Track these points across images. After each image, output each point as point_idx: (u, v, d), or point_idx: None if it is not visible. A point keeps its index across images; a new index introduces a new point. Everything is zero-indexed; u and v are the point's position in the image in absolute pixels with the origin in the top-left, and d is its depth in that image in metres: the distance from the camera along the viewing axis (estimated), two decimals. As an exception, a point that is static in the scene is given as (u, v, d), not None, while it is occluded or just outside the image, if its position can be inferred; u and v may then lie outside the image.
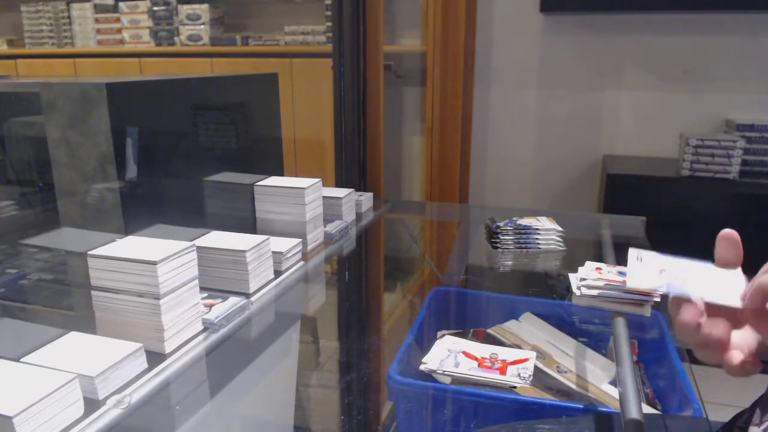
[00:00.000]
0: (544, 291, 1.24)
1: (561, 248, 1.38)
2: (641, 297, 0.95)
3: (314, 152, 2.78)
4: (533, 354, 0.93)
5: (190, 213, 1.14)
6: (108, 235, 0.92)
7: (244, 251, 0.98)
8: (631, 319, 0.91)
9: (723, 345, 0.47)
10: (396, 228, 1.79)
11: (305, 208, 1.23)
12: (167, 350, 0.81)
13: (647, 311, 0.95)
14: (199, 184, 1.18)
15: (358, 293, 1.39)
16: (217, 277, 1.00)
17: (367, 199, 1.63)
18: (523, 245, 1.38)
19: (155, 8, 3.16)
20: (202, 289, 0.89)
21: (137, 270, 0.78)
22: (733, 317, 0.48)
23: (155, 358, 0.79)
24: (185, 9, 3.11)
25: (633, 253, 0.58)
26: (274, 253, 1.09)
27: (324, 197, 1.32)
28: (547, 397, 0.95)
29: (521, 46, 2.46)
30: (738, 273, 0.50)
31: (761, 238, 1.45)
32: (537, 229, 1.38)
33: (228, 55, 2.98)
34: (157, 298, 0.79)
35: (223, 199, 1.23)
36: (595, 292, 0.97)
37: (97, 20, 3.30)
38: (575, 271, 0.94)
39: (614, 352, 0.81)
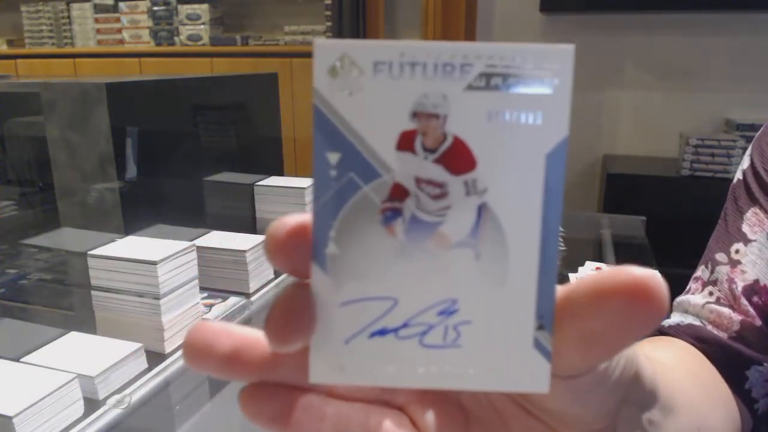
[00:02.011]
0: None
1: (561, 248, 1.38)
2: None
3: (314, 152, 2.78)
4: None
5: (190, 213, 1.14)
6: (108, 235, 0.92)
7: (244, 251, 0.98)
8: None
9: None
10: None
11: (305, 208, 1.23)
12: (167, 350, 0.81)
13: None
14: (199, 184, 1.18)
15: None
16: (217, 277, 1.00)
17: (367, 199, 1.63)
18: (523, 245, 1.38)
19: (155, 8, 3.16)
20: (202, 289, 0.89)
21: (137, 270, 0.78)
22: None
23: (155, 358, 0.79)
24: (185, 9, 3.11)
25: None
26: (274, 253, 1.08)
27: (324, 197, 1.32)
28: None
29: (521, 46, 2.46)
30: None
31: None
32: (537, 229, 1.38)
33: (228, 55, 2.98)
34: (157, 298, 0.79)
35: (223, 199, 1.23)
36: (595, 292, 0.97)
37: (97, 20, 3.30)
38: (575, 271, 0.94)
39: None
